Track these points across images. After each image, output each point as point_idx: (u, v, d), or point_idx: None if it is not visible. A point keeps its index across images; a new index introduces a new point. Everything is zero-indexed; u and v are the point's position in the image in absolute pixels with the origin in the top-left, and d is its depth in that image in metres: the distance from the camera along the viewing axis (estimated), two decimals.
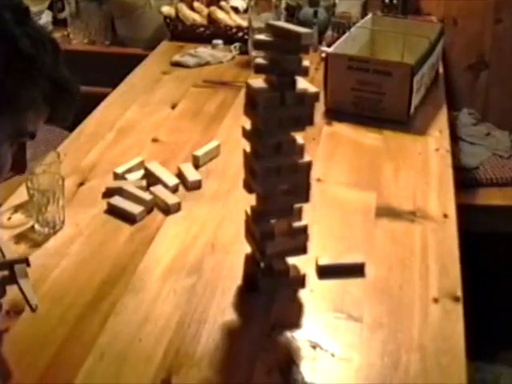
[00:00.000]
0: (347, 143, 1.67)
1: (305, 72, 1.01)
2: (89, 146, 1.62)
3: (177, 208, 1.36)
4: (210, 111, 1.83)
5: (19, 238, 1.28)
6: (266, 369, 0.99)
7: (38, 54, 0.87)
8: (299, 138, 1.06)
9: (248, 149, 1.08)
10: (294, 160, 1.06)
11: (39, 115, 0.93)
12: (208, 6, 2.45)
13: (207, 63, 2.17)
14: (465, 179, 2.10)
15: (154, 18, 2.51)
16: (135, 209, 1.33)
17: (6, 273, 1.04)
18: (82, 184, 1.46)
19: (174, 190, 1.42)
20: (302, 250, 1.13)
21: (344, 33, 2.01)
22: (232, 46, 2.27)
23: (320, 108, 1.76)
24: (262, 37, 1.02)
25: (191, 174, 1.47)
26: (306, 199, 1.10)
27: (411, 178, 1.50)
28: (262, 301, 1.12)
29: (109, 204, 1.36)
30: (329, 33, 2.27)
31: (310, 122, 1.04)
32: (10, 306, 1.08)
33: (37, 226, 1.29)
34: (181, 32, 2.39)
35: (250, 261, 1.17)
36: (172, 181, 1.43)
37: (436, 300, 1.12)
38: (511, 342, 2.13)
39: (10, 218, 1.34)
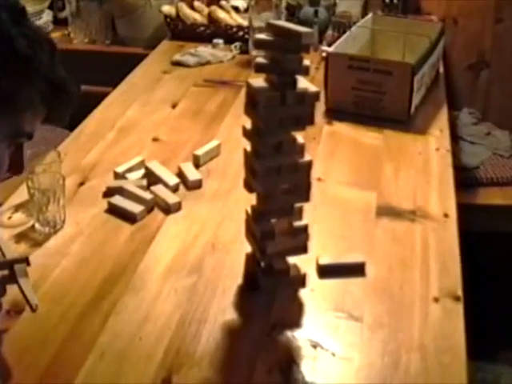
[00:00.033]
0: (348, 143, 1.67)
1: (305, 71, 1.01)
2: (89, 145, 1.63)
3: (177, 207, 1.36)
4: (211, 110, 1.83)
5: (20, 237, 1.28)
6: (267, 368, 0.99)
7: (35, 54, 0.86)
8: (300, 137, 1.06)
9: (248, 148, 1.08)
10: (294, 159, 1.06)
11: (36, 116, 0.93)
12: (208, 5, 2.45)
13: (208, 62, 2.17)
14: (465, 179, 2.10)
15: (155, 18, 2.51)
16: (136, 208, 1.34)
17: (5, 272, 1.04)
18: (82, 183, 1.46)
19: (175, 189, 1.42)
20: (303, 249, 1.13)
21: (344, 32, 2.01)
22: (232, 46, 2.27)
23: (320, 107, 1.76)
24: (262, 36, 1.02)
25: (192, 174, 1.47)
26: (307, 199, 1.10)
27: (411, 178, 1.50)
28: (262, 300, 1.12)
29: (109, 203, 1.36)
30: (329, 32, 2.27)
31: (310, 121, 1.04)
32: (11, 305, 1.08)
33: (37, 226, 1.29)
34: (181, 31, 2.39)
35: (251, 260, 1.17)
36: (172, 180, 1.43)
37: (436, 299, 1.12)
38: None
39: (10, 218, 1.34)
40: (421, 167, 1.54)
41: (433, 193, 1.44)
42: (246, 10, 2.39)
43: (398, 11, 2.49)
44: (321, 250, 1.22)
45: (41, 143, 1.47)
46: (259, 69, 1.02)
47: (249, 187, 1.11)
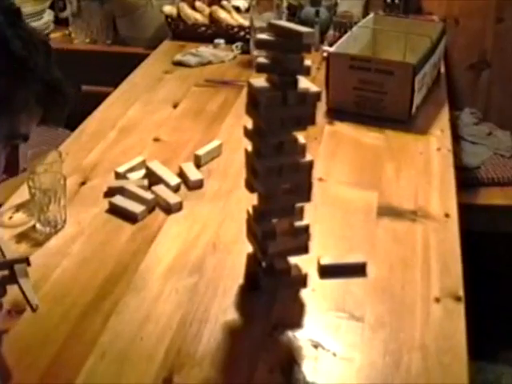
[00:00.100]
0: (349, 142, 1.66)
1: (306, 71, 1.01)
2: (90, 145, 1.63)
3: (178, 207, 1.36)
4: (212, 110, 1.83)
5: (21, 237, 1.28)
6: (268, 368, 0.99)
7: (30, 56, 0.86)
8: (301, 137, 1.06)
9: (250, 148, 1.08)
10: (295, 159, 1.06)
11: (32, 117, 0.93)
12: (210, 5, 2.45)
13: (209, 62, 2.17)
14: (466, 179, 2.10)
15: (156, 18, 2.51)
16: (137, 208, 1.34)
17: (6, 273, 1.04)
18: (83, 183, 1.46)
19: (176, 189, 1.42)
20: (304, 249, 1.13)
21: (346, 32, 2.01)
22: (234, 46, 2.27)
23: (322, 107, 1.76)
24: (263, 36, 1.02)
25: (193, 174, 1.47)
26: (308, 199, 1.10)
27: (413, 178, 1.50)
28: (263, 300, 1.12)
29: (110, 203, 1.36)
30: (330, 32, 2.27)
31: (311, 121, 1.04)
32: (12, 305, 1.08)
33: (38, 226, 1.29)
34: (182, 31, 2.39)
35: (252, 260, 1.17)
36: (174, 180, 1.43)
37: (438, 300, 1.12)
38: None
39: (11, 218, 1.34)
40: (422, 167, 1.54)
41: (434, 193, 1.44)
42: (247, 10, 2.39)
43: (400, 11, 2.49)
44: (322, 250, 1.22)
45: (42, 143, 1.47)
46: (260, 69, 1.02)
47: (250, 187, 1.11)
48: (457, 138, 2.24)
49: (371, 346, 1.03)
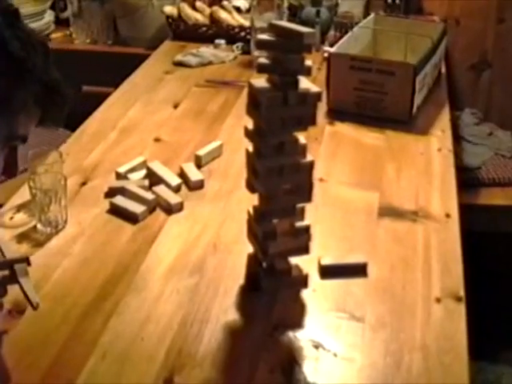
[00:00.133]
0: (349, 143, 1.66)
1: (307, 72, 1.01)
2: (91, 145, 1.63)
3: (179, 208, 1.36)
4: (213, 111, 1.83)
5: (21, 237, 1.28)
6: (269, 369, 0.99)
7: (28, 57, 0.87)
8: (301, 137, 1.06)
9: (250, 148, 1.08)
10: (296, 160, 1.06)
11: (30, 118, 0.93)
12: (210, 5, 2.45)
13: (209, 63, 2.17)
14: (467, 179, 2.10)
15: (157, 18, 2.51)
16: (137, 208, 1.34)
17: (6, 272, 1.04)
18: (84, 184, 1.46)
19: (177, 189, 1.42)
20: (305, 249, 1.13)
21: (346, 32, 2.01)
22: (234, 46, 2.27)
23: (322, 108, 1.76)
24: (264, 36, 1.02)
25: (193, 174, 1.47)
26: (309, 199, 1.10)
27: (413, 178, 1.50)
28: (264, 300, 1.12)
29: (111, 204, 1.36)
30: (331, 32, 2.27)
31: (312, 121, 1.04)
32: (13, 305, 1.08)
33: (39, 226, 1.29)
34: (183, 32, 2.39)
35: (253, 260, 1.17)
36: (174, 180, 1.43)
37: (438, 300, 1.12)
38: None
39: (12, 218, 1.34)
40: (423, 167, 1.54)
41: (435, 193, 1.44)
42: (248, 11, 2.39)
43: (400, 11, 2.49)
44: (323, 250, 1.22)
45: (43, 143, 1.47)
46: (261, 69, 1.02)
47: (251, 187, 1.11)
48: (457, 138, 2.24)
49: (372, 347, 1.03)
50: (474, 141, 2.31)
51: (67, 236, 1.29)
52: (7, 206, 1.37)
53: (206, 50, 2.23)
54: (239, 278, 1.17)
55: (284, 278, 1.14)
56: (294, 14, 2.36)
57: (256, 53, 2.07)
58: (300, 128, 1.05)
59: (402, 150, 1.63)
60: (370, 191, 1.44)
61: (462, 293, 1.14)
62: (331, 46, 2.03)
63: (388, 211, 1.37)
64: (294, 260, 1.14)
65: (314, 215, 1.17)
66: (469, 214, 1.48)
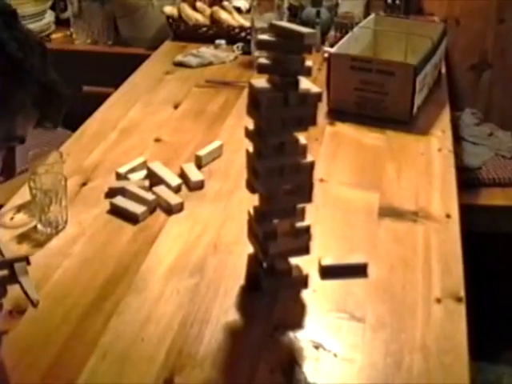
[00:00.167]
0: (350, 143, 1.66)
1: (307, 72, 1.01)
2: (91, 145, 1.63)
3: (179, 208, 1.36)
4: (213, 111, 1.83)
5: (22, 237, 1.28)
6: (269, 369, 0.99)
7: (26, 57, 0.87)
8: (302, 138, 1.06)
9: (251, 149, 1.08)
10: (296, 160, 1.06)
11: (28, 119, 0.93)
12: (210, 5, 2.45)
13: (210, 63, 2.17)
14: (467, 179, 2.10)
15: (157, 18, 2.51)
16: (138, 209, 1.34)
17: (6, 272, 1.04)
18: (84, 184, 1.46)
19: (177, 190, 1.43)
20: (305, 250, 1.13)
21: (347, 33, 2.01)
22: (235, 46, 2.27)
23: (323, 108, 1.76)
24: (264, 37, 1.02)
25: (194, 174, 1.47)
26: (309, 199, 1.10)
27: (414, 178, 1.50)
28: (264, 301, 1.12)
29: (111, 204, 1.36)
30: (331, 33, 2.27)
31: (312, 122, 1.04)
32: (13, 305, 1.08)
33: (39, 226, 1.29)
34: (183, 32, 2.39)
35: (253, 261, 1.17)
36: (175, 181, 1.43)
37: (439, 300, 1.12)
38: None
39: (12, 218, 1.34)
40: (423, 168, 1.54)
41: (435, 193, 1.44)
42: (248, 11, 2.39)
43: (400, 12, 2.49)
44: (323, 250, 1.22)
45: (43, 144, 1.47)
46: (261, 69, 1.02)
47: (251, 188, 1.11)
48: (458, 138, 2.24)
49: (372, 347, 1.03)
50: (475, 141, 2.31)
51: (67, 236, 1.29)
52: (7, 206, 1.37)
53: (207, 51, 2.23)
54: (239, 279, 1.17)
55: (284, 279, 1.14)
56: (295, 14, 2.36)
57: (256, 53, 2.08)
58: (300, 128, 1.05)
59: (402, 150, 1.63)
60: (371, 191, 1.44)
61: (462, 293, 1.14)
62: (331, 46, 2.03)
63: (388, 211, 1.37)
64: (294, 260, 1.14)
65: (314, 215, 1.17)
66: (469, 214, 1.48)
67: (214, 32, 2.35)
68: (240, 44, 2.28)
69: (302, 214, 1.11)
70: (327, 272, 1.18)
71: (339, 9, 2.36)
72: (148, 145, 1.64)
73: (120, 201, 1.37)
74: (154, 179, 1.44)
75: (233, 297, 1.13)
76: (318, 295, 1.14)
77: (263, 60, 1.02)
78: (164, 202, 1.37)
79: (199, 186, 1.45)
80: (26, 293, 1.03)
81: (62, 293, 1.14)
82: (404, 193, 1.44)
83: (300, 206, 1.11)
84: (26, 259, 1.06)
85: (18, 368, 0.98)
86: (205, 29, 2.37)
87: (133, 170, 1.48)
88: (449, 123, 1.78)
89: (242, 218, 1.17)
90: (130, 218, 1.33)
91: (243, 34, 2.32)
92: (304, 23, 2.19)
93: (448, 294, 1.13)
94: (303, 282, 1.15)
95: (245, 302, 1.13)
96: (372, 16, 2.12)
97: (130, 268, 1.20)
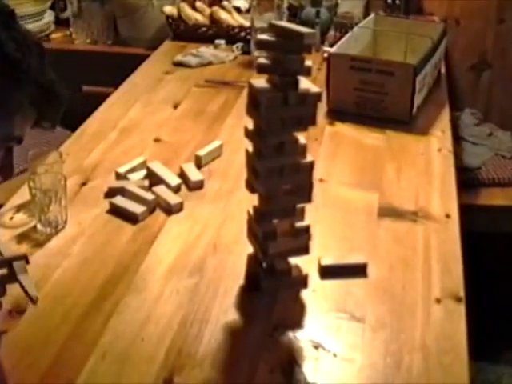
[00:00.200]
0: (349, 143, 1.66)
1: (307, 72, 1.01)
2: (91, 145, 1.63)
3: (179, 208, 1.36)
4: (213, 111, 1.83)
5: (21, 237, 1.28)
6: (269, 369, 0.99)
7: (24, 58, 0.87)
8: (301, 138, 1.06)
9: (250, 149, 1.08)
10: (296, 160, 1.06)
11: (26, 119, 0.93)
12: (210, 5, 2.45)
13: (209, 63, 2.17)
14: (467, 179, 2.10)
15: (157, 18, 2.51)
16: (137, 209, 1.34)
17: (5, 271, 1.04)
18: (84, 184, 1.46)
19: (177, 189, 1.42)
20: (305, 250, 1.13)
21: (346, 33, 2.01)
22: (234, 46, 2.27)
23: (322, 108, 1.76)
24: (264, 37, 1.02)
25: (193, 174, 1.47)
26: (309, 199, 1.10)
27: (413, 178, 1.50)
28: (264, 301, 1.12)
29: (111, 204, 1.36)
30: (331, 33, 2.27)
31: (312, 121, 1.04)
32: (13, 305, 1.08)
33: (39, 226, 1.29)
34: (183, 32, 2.39)
35: (253, 261, 1.17)
36: (174, 181, 1.43)
37: (438, 300, 1.12)
38: None
39: (12, 218, 1.34)
40: (423, 168, 1.54)
41: (435, 193, 1.44)
42: (248, 11, 2.39)
43: (400, 12, 2.48)
44: (323, 250, 1.22)
45: (42, 144, 1.47)
46: (261, 69, 1.02)
47: (251, 188, 1.11)
48: (457, 138, 2.24)
49: (372, 347, 1.03)
50: (474, 141, 2.31)
51: (67, 236, 1.29)
52: (7, 206, 1.37)
53: (206, 51, 2.23)
54: (239, 279, 1.17)
55: (284, 279, 1.14)
56: (294, 14, 2.36)
57: (256, 53, 2.08)
58: (300, 128, 1.05)
59: (402, 150, 1.63)
60: (370, 191, 1.44)
61: (461, 293, 1.14)
62: (331, 46, 2.03)
63: (388, 211, 1.37)
64: (293, 260, 1.14)
65: (314, 215, 1.17)
66: (469, 214, 1.48)
67: (214, 32, 2.35)
68: (240, 44, 2.28)
69: (301, 214, 1.11)
70: (327, 272, 1.18)
71: (339, 9, 2.36)
72: (148, 145, 1.64)
73: (120, 201, 1.37)
74: (153, 179, 1.44)
75: (232, 297, 1.13)
76: (317, 295, 1.14)
77: (263, 60, 1.02)
78: (164, 201, 1.37)
79: (199, 185, 1.45)
80: (25, 290, 1.03)
81: (62, 293, 1.14)
82: (404, 193, 1.44)
83: (300, 205, 1.11)
84: (24, 258, 1.06)
85: (17, 368, 0.98)
86: (204, 29, 2.37)
87: (132, 170, 1.48)
88: (448, 123, 1.78)
89: (242, 218, 1.17)
90: (130, 218, 1.33)
91: (243, 34, 2.32)
92: (303, 23, 2.19)
93: (448, 294, 1.13)
94: (303, 281, 1.15)
95: (244, 302, 1.13)
96: (372, 16, 2.12)
97: (129, 268, 1.20)
